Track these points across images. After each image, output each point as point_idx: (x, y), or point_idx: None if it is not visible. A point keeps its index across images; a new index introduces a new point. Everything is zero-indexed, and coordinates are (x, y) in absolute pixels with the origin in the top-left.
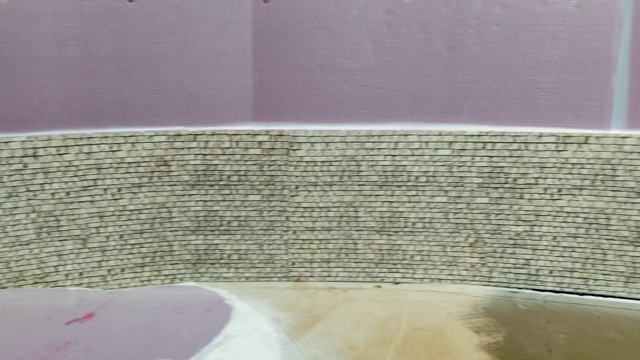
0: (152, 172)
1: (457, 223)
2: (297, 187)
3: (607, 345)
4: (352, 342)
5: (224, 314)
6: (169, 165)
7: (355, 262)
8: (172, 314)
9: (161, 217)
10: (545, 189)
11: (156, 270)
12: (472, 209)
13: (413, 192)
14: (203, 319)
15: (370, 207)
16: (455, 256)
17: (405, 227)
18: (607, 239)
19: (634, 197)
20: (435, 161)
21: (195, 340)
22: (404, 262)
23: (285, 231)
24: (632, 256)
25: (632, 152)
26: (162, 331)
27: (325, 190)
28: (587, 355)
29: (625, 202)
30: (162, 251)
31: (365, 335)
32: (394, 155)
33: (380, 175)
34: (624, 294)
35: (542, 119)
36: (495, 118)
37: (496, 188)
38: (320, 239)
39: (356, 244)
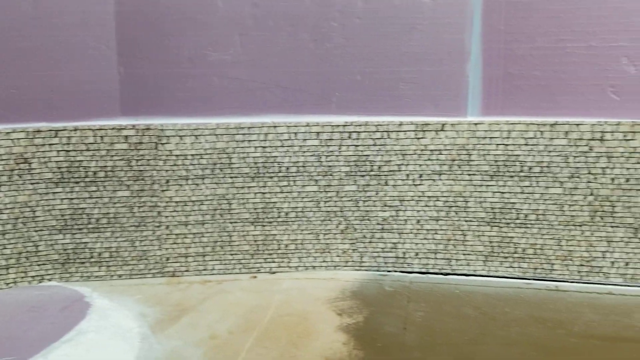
0: (12, 170)
1: (328, 211)
2: (167, 181)
3: (461, 320)
4: (216, 332)
5: (81, 311)
6: (30, 163)
7: (231, 254)
8: (26, 314)
9: (24, 217)
10: (407, 175)
11: (22, 272)
12: (342, 197)
13: (285, 183)
14: (57, 317)
15: (243, 198)
16: (327, 243)
17: (278, 217)
18: (466, 221)
19: (487, 180)
20: (304, 151)
21: (44, 338)
22: (279, 251)
23: (158, 227)
24: (489, 236)
25: (484, 138)
26: (11, 331)
27: (197, 184)
28: (438, 330)
29: (480, 185)
30: (27, 252)
31: (231, 324)
32: (264, 147)
33: (251, 167)
34: (483, 272)
35: (404, 109)
36: (361, 108)
37: (363, 176)
38: (194, 233)
39: (231, 236)
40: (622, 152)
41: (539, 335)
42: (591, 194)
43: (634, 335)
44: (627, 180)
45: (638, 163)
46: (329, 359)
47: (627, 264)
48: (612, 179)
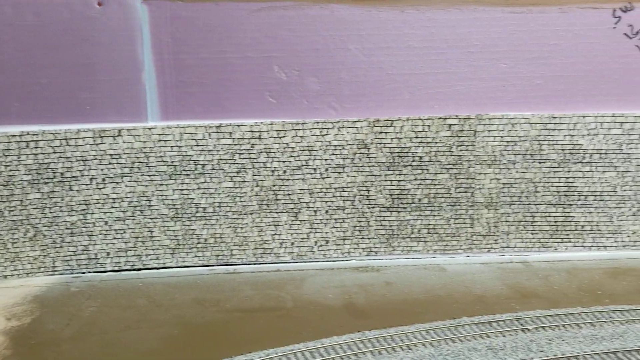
0: None
1: (14, 220)
2: None
3: (128, 310)
4: None
5: None
6: None
7: None
8: None
9: None
10: (90, 179)
11: None
12: (27, 205)
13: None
14: None
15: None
16: (17, 252)
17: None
18: (152, 218)
19: (167, 180)
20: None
21: None
22: None
23: None
24: (174, 230)
25: (159, 141)
26: None
27: None
28: (100, 322)
29: (160, 184)
30: None
31: None
32: None
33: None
34: (172, 264)
35: (87, 116)
36: (41, 117)
37: (46, 183)
38: None
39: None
40: (278, 148)
41: (192, 314)
42: (257, 185)
43: (274, 305)
44: (285, 171)
45: (291, 156)
46: None
47: (292, 243)
48: (272, 171)
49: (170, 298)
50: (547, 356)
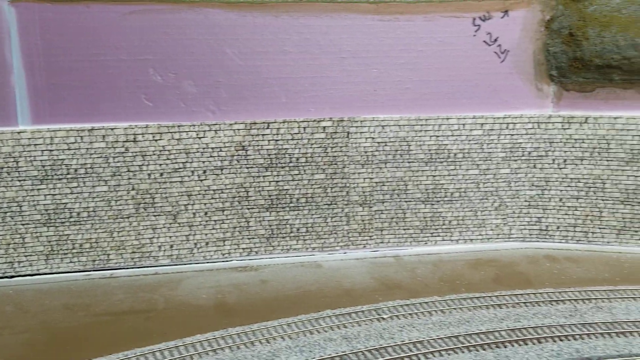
0: None
1: None
2: None
3: None
4: None
5: None
6: None
7: None
8: None
9: None
10: None
11: None
12: None
13: None
14: None
15: None
16: None
17: None
18: (23, 224)
19: (38, 184)
20: None
21: None
22: None
23: None
24: (47, 236)
25: (29, 145)
26: None
27: None
28: None
29: (32, 189)
30: None
31: None
32: None
33: None
34: (46, 270)
35: None
36: None
37: None
38: None
39: None
40: (154, 151)
41: (59, 319)
42: (133, 189)
43: (145, 307)
44: (161, 174)
45: (168, 159)
46: None
47: (171, 246)
48: (149, 174)
49: (39, 304)
50: (396, 342)
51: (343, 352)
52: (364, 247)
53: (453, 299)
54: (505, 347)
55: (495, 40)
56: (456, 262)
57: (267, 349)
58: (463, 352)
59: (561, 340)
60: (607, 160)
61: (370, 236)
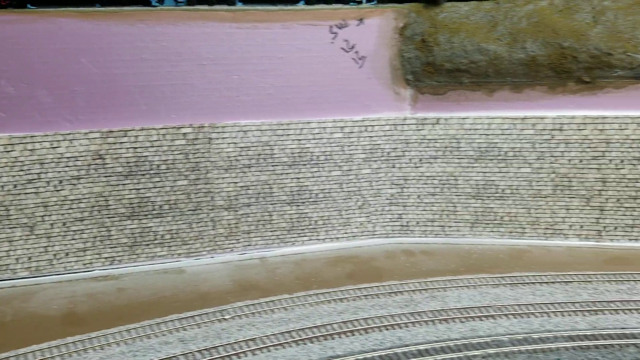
0: None
1: None
2: None
3: None
4: None
5: None
6: None
7: None
8: None
9: None
10: None
11: None
12: None
13: None
14: None
15: None
16: None
17: None
18: None
19: None
20: None
21: None
22: None
23: None
24: None
25: None
26: None
27: None
28: None
29: None
30: None
31: None
32: None
33: None
34: None
35: None
36: None
37: None
38: None
39: None
40: (6, 162)
41: None
42: None
43: None
44: (15, 186)
45: (21, 170)
46: None
47: (29, 258)
48: (2, 187)
49: None
50: (229, 341)
51: (174, 354)
52: (232, 250)
53: (299, 296)
54: (333, 339)
55: (353, 47)
56: (318, 261)
57: (99, 355)
58: (291, 346)
59: (387, 329)
60: (459, 158)
61: (237, 239)
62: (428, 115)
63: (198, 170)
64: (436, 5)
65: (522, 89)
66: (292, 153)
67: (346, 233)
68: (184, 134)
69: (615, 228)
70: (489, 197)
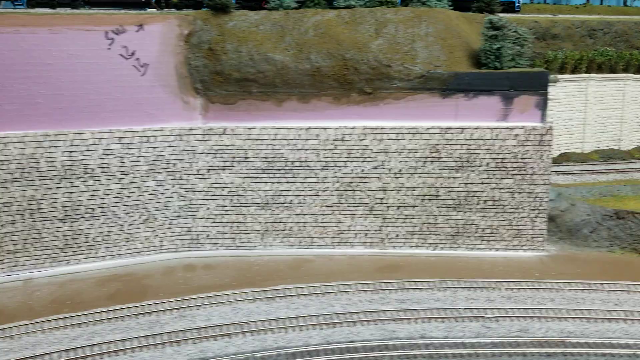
0: None
1: None
2: None
3: None
4: None
5: None
6: None
7: None
8: None
9: None
10: None
11: None
12: None
13: None
14: None
15: None
16: None
17: None
18: None
19: None
20: None
21: None
22: None
23: None
24: None
25: None
26: None
27: None
28: None
29: None
30: None
31: None
32: None
33: None
34: None
35: None
36: None
37: None
38: None
39: None
40: None
41: None
42: None
43: None
44: None
45: None
46: None
47: None
48: None
49: None
50: None
51: None
52: None
53: (38, 322)
54: None
55: (133, 53)
56: (87, 281)
57: None
58: None
59: (117, 354)
60: (247, 169)
61: (2, 260)
62: (215, 125)
63: None
64: (225, 13)
65: (309, 100)
66: (63, 166)
67: (129, 249)
68: None
69: (397, 235)
70: (277, 207)
